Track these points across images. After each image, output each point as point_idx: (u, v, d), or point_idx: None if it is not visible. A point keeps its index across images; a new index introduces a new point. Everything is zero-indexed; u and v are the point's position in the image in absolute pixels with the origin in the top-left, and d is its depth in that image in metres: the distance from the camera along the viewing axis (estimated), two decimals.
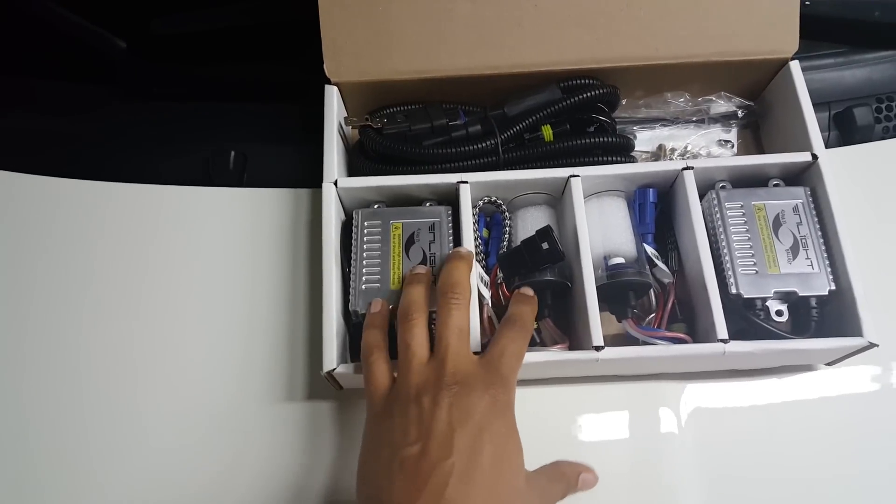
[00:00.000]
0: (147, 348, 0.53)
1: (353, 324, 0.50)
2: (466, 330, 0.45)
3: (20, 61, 0.65)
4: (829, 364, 0.52)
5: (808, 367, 0.53)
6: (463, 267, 0.47)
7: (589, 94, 0.54)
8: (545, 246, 0.48)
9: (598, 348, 0.46)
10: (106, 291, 0.55)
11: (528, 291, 0.48)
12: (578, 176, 0.51)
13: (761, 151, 0.60)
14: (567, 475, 0.45)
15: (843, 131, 0.61)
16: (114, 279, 0.55)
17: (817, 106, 0.60)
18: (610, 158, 0.53)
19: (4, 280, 0.56)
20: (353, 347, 0.51)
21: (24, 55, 0.65)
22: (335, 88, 0.55)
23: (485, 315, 0.50)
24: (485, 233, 0.54)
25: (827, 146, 0.59)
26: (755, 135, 0.61)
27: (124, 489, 0.49)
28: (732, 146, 0.59)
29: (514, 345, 0.44)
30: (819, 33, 0.64)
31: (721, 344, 0.46)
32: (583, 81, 0.55)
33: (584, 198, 0.51)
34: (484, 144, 0.52)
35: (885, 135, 0.61)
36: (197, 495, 0.48)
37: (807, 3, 0.61)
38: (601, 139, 0.53)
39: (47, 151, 0.61)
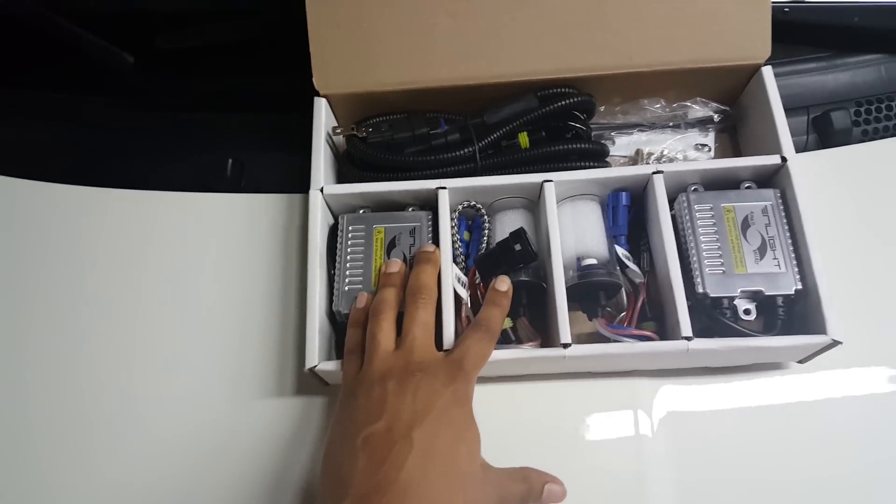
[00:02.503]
0: (144, 345, 0.56)
1: (339, 323, 0.53)
2: (432, 326, 0.48)
3: (31, 74, 0.69)
4: (800, 362, 0.53)
5: (779, 366, 0.54)
6: (429, 270, 0.50)
7: (565, 102, 0.56)
8: (517, 247, 0.51)
9: (565, 345, 0.48)
10: (106, 292, 0.58)
11: (503, 285, 0.50)
12: (552, 181, 0.53)
13: (738, 154, 0.61)
14: (531, 480, 0.45)
15: (822, 135, 0.62)
16: (114, 280, 0.59)
17: (797, 110, 0.62)
18: (585, 164, 0.56)
19: (7, 282, 0.60)
20: (338, 346, 0.54)
21: (35, 68, 0.69)
22: (323, 100, 0.58)
23: (462, 315, 0.52)
24: (466, 235, 0.56)
25: (805, 149, 0.61)
26: (732, 139, 0.62)
27: (119, 480, 0.52)
28: (709, 150, 0.60)
29: (478, 346, 0.46)
30: (800, 39, 0.65)
31: (685, 341, 0.48)
32: (559, 90, 0.57)
33: (559, 201, 0.54)
34: (462, 152, 0.55)
35: (864, 138, 0.62)
36: (187, 485, 0.51)
37: (785, 10, 0.63)
38: (576, 146, 0.55)
39: (54, 160, 0.65)
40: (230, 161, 0.62)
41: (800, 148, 0.57)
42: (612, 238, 0.54)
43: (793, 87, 0.64)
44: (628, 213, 0.55)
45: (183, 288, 0.58)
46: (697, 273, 0.50)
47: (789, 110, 0.56)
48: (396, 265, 0.52)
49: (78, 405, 0.55)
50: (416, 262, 0.51)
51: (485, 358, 0.47)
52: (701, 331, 0.48)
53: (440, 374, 0.44)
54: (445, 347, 0.48)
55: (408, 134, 0.56)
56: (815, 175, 0.56)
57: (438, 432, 0.42)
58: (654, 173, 0.53)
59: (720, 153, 0.61)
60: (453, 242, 0.54)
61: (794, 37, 0.64)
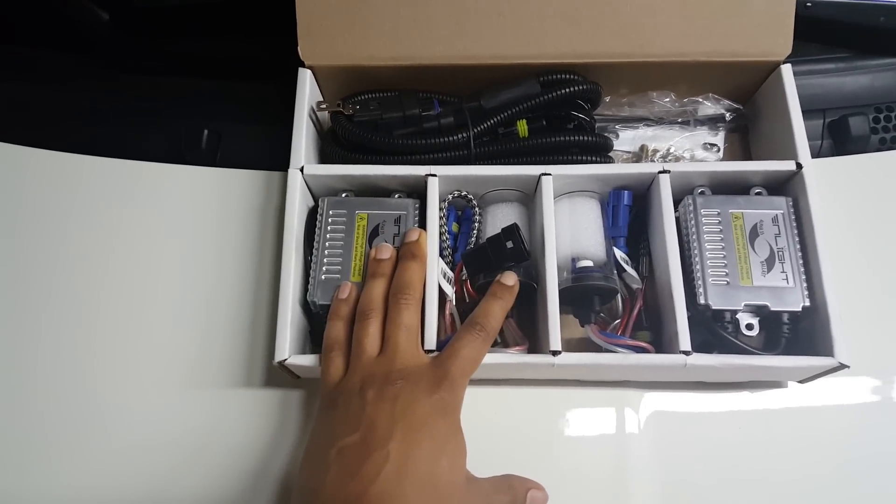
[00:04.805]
0: (99, 329, 0.52)
1: (313, 314, 0.50)
2: (415, 328, 0.44)
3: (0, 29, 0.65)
4: (801, 382, 0.50)
5: (779, 383, 0.51)
6: (415, 267, 0.46)
7: (568, 89, 0.52)
8: (510, 245, 0.47)
9: (554, 353, 0.44)
10: (57, 268, 0.54)
11: (510, 280, 0.46)
12: (550, 175, 0.49)
13: (749, 157, 0.58)
14: (515, 488, 0.43)
15: (837, 140, 0.58)
16: (78, 253, 0.55)
17: (812, 113, 0.58)
18: (586, 158, 0.52)
19: None
20: (311, 337, 0.50)
21: (4, 22, 0.64)
22: (308, 72, 0.53)
23: (446, 312, 0.49)
24: (454, 227, 0.53)
25: (819, 155, 0.58)
26: (743, 140, 0.58)
27: (80, 469, 0.49)
28: (718, 150, 0.57)
29: (469, 348, 0.43)
30: (820, 37, 0.62)
31: (682, 356, 0.44)
32: (563, 76, 0.53)
33: (556, 197, 0.50)
34: (455, 137, 0.51)
35: (882, 146, 0.58)
36: (150, 477, 0.48)
37: (808, 4, 0.59)
38: (577, 137, 0.52)
39: (14, 119, 0.60)
40: (206, 131, 0.58)
41: (813, 153, 0.54)
42: (611, 239, 0.51)
43: (808, 87, 0.60)
44: (629, 213, 0.51)
45: (148, 265, 0.54)
46: (700, 283, 0.47)
47: (803, 112, 0.52)
48: (388, 251, 0.48)
49: (27, 393, 0.51)
50: (402, 257, 0.47)
51: (476, 361, 0.43)
52: (699, 344, 0.45)
53: (423, 382, 0.41)
54: (427, 347, 0.45)
55: (398, 114, 0.52)
56: (830, 184, 0.53)
57: (417, 444, 0.38)
58: (660, 172, 0.49)
59: (729, 154, 0.58)
60: (441, 234, 0.50)
61: (813, 34, 0.60)
